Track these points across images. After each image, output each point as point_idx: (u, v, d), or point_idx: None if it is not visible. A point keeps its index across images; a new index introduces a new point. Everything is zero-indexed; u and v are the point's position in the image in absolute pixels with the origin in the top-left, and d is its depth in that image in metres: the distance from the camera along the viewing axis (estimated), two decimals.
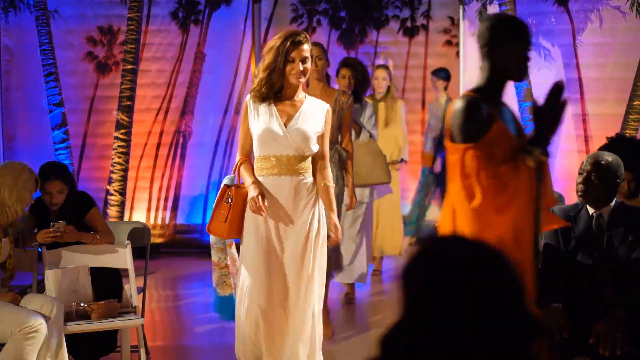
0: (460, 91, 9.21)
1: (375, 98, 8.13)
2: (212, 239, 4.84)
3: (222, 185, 4.50)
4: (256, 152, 4.44)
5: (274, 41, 4.42)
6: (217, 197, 4.49)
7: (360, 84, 6.70)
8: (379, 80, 8.17)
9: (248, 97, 4.46)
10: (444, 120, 8.96)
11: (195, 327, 6.61)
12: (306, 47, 4.41)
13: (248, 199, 4.33)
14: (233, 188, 4.44)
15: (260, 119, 4.39)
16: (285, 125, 4.39)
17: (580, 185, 4.01)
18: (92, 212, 5.10)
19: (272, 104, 4.43)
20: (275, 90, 4.43)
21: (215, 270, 4.88)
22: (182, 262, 9.16)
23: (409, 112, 10.09)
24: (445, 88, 8.81)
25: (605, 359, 3.76)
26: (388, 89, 8.19)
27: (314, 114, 4.46)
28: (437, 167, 8.57)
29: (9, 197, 4.69)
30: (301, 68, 4.39)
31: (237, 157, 4.49)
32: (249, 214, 4.40)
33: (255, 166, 4.44)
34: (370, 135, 6.82)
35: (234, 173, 4.47)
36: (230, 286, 4.73)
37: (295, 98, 4.48)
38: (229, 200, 4.42)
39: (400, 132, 8.17)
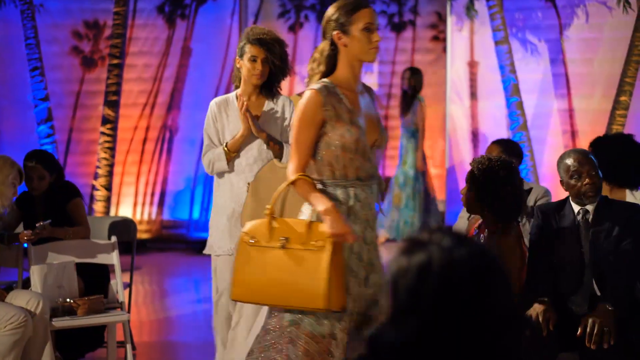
0: (447, 87, 9.22)
1: None
2: None
3: None
4: None
5: None
6: None
7: (277, 72, 4.44)
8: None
9: None
10: None
11: (182, 322, 6.59)
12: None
13: None
14: None
15: None
16: None
17: (589, 186, 3.99)
18: (75, 201, 5.09)
19: None
20: None
21: None
22: (168, 258, 9.13)
23: (396, 107, 10.10)
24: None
25: (593, 353, 3.77)
26: None
27: None
28: None
29: None
30: None
31: None
32: None
33: None
34: None
35: None
36: None
37: None
38: None
39: None
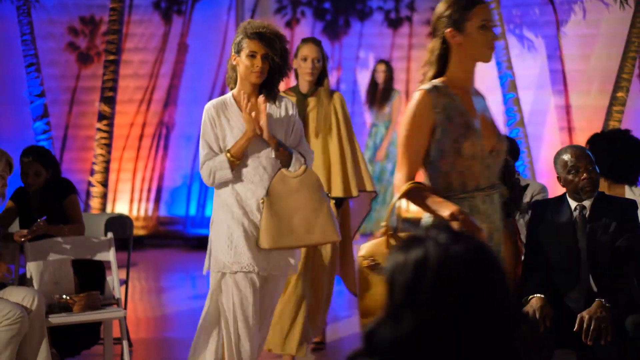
0: None
1: (300, 91, 5.16)
2: None
3: None
4: None
5: None
6: None
7: (278, 69, 4.07)
8: (308, 62, 5.07)
9: None
10: None
11: (178, 319, 6.59)
12: None
13: None
14: None
15: None
16: None
17: (587, 181, 3.98)
18: (71, 198, 5.08)
19: None
20: None
21: None
22: (165, 254, 9.13)
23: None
24: None
25: (590, 349, 3.77)
26: (320, 77, 5.13)
27: None
28: None
29: None
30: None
31: None
32: None
33: None
34: (305, 161, 4.11)
35: None
36: None
37: None
38: None
39: (334, 145, 5.13)
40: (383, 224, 3.08)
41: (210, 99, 9.54)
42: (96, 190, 9.16)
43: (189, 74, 9.46)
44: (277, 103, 4.08)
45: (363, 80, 10.03)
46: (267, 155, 4.00)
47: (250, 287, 3.98)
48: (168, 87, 9.46)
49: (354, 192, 5.09)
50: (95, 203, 9.16)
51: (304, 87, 5.11)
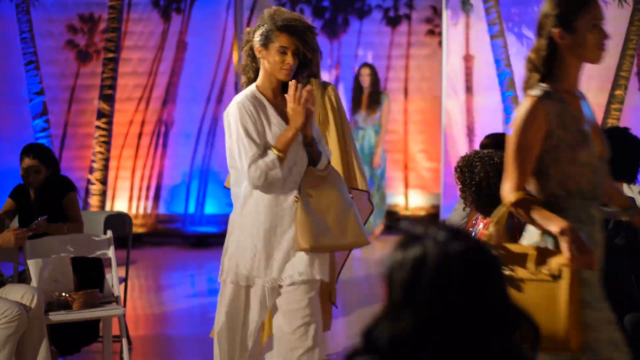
0: (443, 81, 9.21)
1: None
2: None
3: None
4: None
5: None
6: None
7: (307, 65, 3.88)
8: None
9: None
10: None
11: (177, 317, 6.59)
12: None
13: None
14: None
15: None
16: None
17: None
18: (70, 196, 5.09)
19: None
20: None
21: None
22: (164, 252, 9.13)
23: (391, 101, 10.09)
24: None
25: None
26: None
27: None
28: None
29: None
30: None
31: None
32: None
33: None
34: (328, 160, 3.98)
35: None
36: None
37: None
38: None
39: (333, 140, 4.84)
40: (485, 232, 2.97)
41: (209, 96, 9.57)
42: (95, 188, 9.16)
43: (188, 71, 9.46)
44: None
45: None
46: (301, 151, 3.76)
47: (259, 300, 3.78)
48: (167, 84, 9.46)
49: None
50: (94, 201, 9.16)
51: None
